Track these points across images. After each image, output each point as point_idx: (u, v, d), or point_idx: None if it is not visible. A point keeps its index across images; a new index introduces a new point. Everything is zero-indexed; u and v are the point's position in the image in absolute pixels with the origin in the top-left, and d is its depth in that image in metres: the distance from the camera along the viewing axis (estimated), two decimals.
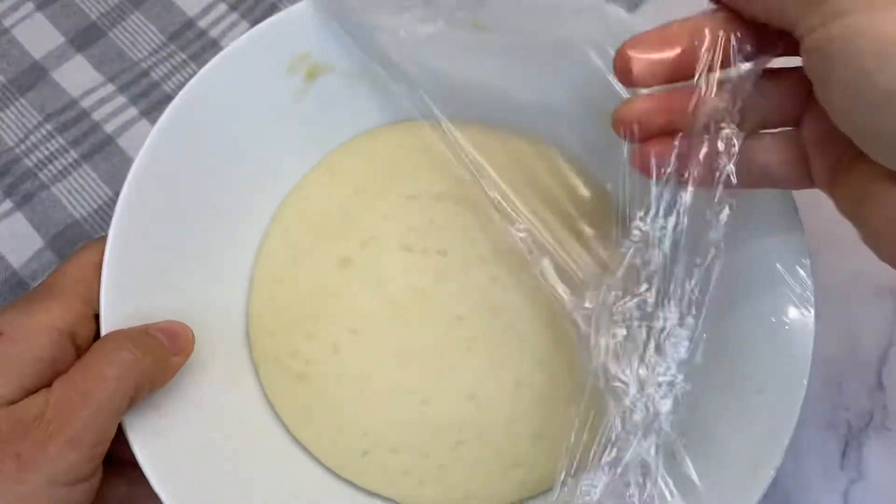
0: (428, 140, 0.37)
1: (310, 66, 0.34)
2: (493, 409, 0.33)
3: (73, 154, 0.42)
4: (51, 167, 0.42)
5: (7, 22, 0.45)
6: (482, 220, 0.35)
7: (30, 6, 0.45)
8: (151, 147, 0.31)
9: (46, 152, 0.42)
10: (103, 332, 0.29)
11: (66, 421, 0.25)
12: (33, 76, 0.43)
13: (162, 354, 0.29)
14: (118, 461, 0.28)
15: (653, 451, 0.26)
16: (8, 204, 0.41)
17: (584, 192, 0.36)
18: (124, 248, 0.30)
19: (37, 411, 0.25)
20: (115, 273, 0.29)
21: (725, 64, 0.24)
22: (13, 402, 0.26)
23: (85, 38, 0.44)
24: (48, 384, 0.26)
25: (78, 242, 0.40)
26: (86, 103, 0.43)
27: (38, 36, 0.44)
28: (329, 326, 0.34)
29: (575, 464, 0.27)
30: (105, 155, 0.42)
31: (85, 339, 0.29)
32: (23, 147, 0.42)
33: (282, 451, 0.33)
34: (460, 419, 0.33)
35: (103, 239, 0.30)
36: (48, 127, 0.42)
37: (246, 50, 0.32)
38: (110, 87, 0.43)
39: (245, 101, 0.33)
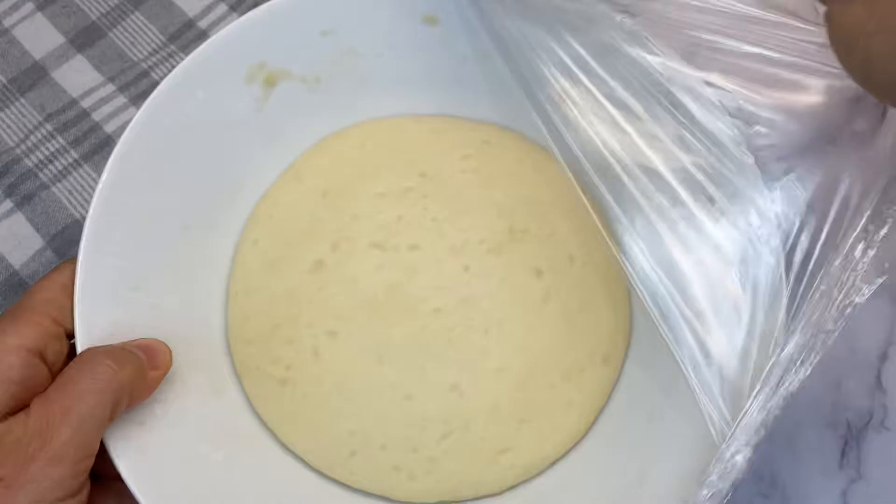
0: (391, 137, 0.37)
1: (267, 73, 0.35)
2: (476, 397, 0.33)
3: (74, 154, 0.42)
4: (51, 167, 0.42)
5: (7, 22, 0.45)
6: (451, 212, 0.36)
7: (30, 6, 0.45)
8: (115, 165, 0.31)
9: (47, 152, 0.42)
10: (79, 348, 0.29)
11: (46, 439, 0.25)
12: (33, 76, 0.43)
13: (140, 368, 0.29)
14: (106, 477, 0.28)
15: None
16: (8, 204, 0.41)
17: (551, 175, 0.36)
18: (95, 264, 0.30)
19: (18, 433, 0.26)
20: (88, 290, 0.30)
21: None
22: None
23: (85, 38, 0.44)
24: (24, 405, 0.27)
25: (78, 242, 0.40)
26: (86, 103, 0.43)
27: (39, 36, 0.44)
28: (307, 330, 0.34)
29: None
30: (105, 155, 0.42)
31: (56, 357, 0.29)
32: (23, 147, 0.42)
33: (270, 457, 0.33)
34: (445, 410, 0.33)
35: (72, 261, 0.30)
36: (48, 127, 0.42)
37: (200, 66, 0.33)
38: (110, 87, 0.43)
39: (206, 115, 0.34)
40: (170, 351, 0.30)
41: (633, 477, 0.31)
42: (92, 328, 0.29)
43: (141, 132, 0.32)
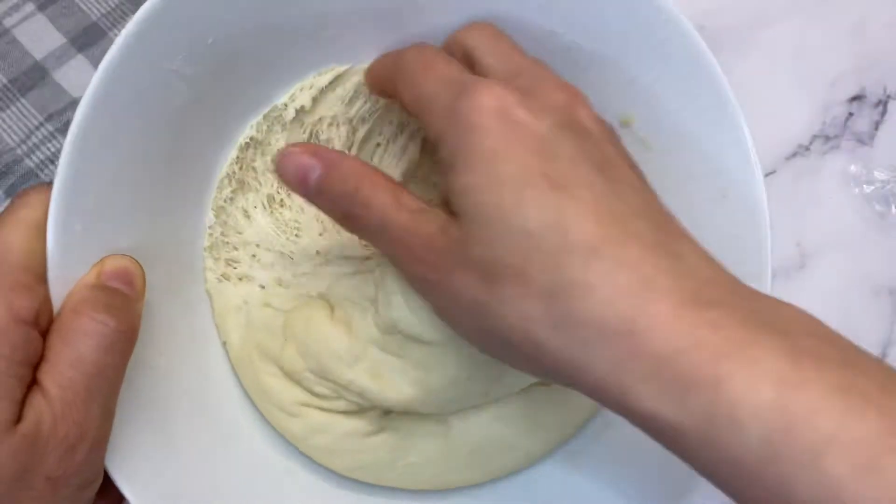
0: None
1: None
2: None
3: None
4: (52, 168, 0.42)
5: (8, 22, 0.45)
6: (422, 188, 0.35)
7: (30, 7, 0.45)
8: (142, 24, 0.28)
9: (48, 153, 0.42)
10: (50, 223, 0.26)
11: (82, 429, 0.24)
12: (34, 76, 0.44)
13: (129, 306, 0.27)
14: None
15: None
16: None
17: None
18: (93, 133, 0.27)
19: (48, 424, 0.23)
20: (77, 163, 0.27)
21: None
22: (17, 422, 0.23)
23: (86, 38, 0.44)
24: (31, 382, 0.24)
25: None
26: None
27: (39, 36, 0.44)
28: (266, 254, 0.34)
29: None
30: None
31: (47, 321, 0.25)
32: (24, 147, 0.42)
33: (212, 374, 0.33)
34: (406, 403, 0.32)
35: (42, 187, 0.26)
36: (49, 127, 0.42)
37: None
38: None
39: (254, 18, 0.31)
40: (143, 272, 0.28)
41: None
42: (75, 203, 0.26)
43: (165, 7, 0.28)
